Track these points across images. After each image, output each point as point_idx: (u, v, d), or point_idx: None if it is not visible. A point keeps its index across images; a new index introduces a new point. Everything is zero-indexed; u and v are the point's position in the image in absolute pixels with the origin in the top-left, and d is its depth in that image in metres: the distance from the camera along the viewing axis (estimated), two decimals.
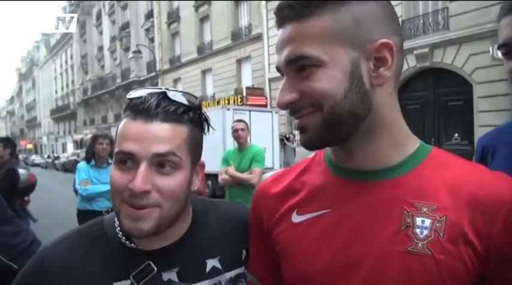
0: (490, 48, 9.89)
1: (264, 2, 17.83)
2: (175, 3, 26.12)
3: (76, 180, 4.14)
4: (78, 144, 39.53)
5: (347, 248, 0.68)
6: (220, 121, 9.51)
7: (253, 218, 0.86)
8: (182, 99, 0.76)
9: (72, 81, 49.95)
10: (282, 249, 0.76)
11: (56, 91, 58.68)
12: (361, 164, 0.71)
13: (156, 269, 0.76)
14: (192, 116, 0.77)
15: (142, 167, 0.70)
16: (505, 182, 0.66)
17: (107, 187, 3.99)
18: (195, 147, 0.79)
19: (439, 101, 11.92)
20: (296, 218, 0.75)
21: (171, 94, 0.75)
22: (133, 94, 0.76)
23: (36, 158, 44.92)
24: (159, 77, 26.94)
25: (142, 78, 29.79)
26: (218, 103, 16.81)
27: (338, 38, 0.64)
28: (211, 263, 0.82)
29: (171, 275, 0.78)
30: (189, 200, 0.83)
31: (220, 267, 0.83)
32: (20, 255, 2.71)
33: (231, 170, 4.08)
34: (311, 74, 0.65)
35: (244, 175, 4.00)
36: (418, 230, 0.64)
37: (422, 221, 0.64)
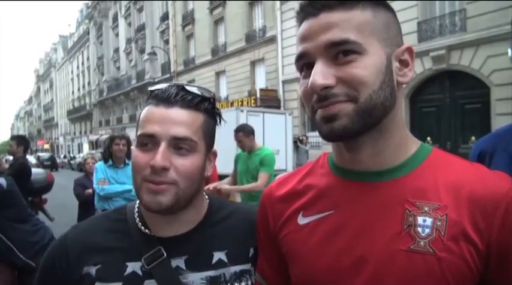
0: (509, 50, 9.70)
1: (278, 4, 17.83)
2: (190, 6, 26.32)
3: (94, 180, 4.20)
4: (94, 145, 40.09)
5: (352, 248, 0.70)
6: (234, 123, 9.50)
7: (260, 221, 0.89)
8: (198, 91, 0.85)
9: (89, 83, 50.69)
10: (289, 250, 0.79)
11: (73, 92, 59.61)
12: (365, 165, 0.73)
13: (165, 254, 0.83)
14: (207, 106, 0.86)
15: (162, 146, 0.78)
16: (504, 181, 0.67)
17: (124, 187, 4.05)
18: (209, 135, 0.87)
19: (455, 104, 11.74)
20: (302, 220, 0.78)
21: (188, 87, 0.85)
22: (155, 87, 0.85)
23: None
24: (173, 79, 27.14)
25: (157, 80, 30.05)
26: (232, 104, 16.85)
27: (377, 33, 0.69)
28: (218, 255, 0.88)
29: (179, 262, 0.84)
30: (203, 187, 0.91)
31: (226, 260, 0.87)
32: (38, 253, 2.77)
33: (229, 187, 4.04)
34: (352, 61, 0.67)
35: (250, 186, 4.01)
36: (420, 229, 0.65)
37: (424, 220, 0.66)
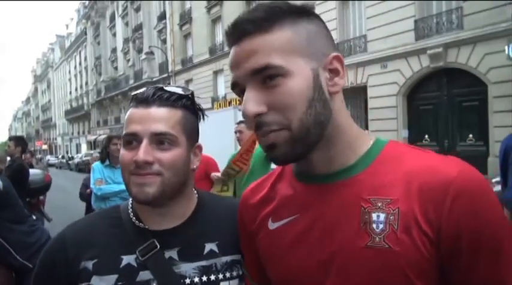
0: (506, 48, 9.73)
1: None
2: (188, 5, 26.29)
3: (91, 180, 4.20)
4: (92, 145, 40.04)
5: (317, 249, 0.72)
6: (232, 122, 9.53)
7: (240, 224, 0.93)
8: (176, 90, 0.92)
9: (86, 83, 50.61)
10: (263, 254, 0.83)
11: (70, 93, 59.51)
12: (321, 169, 0.75)
13: (159, 246, 0.88)
14: (185, 103, 0.92)
15: (144, 143, 0.84)
16: (453, 167, 0.66)
17: (121, 187, 4.04)
18: (190, 129, 0.92)
19: (453, 101, 11.76)
20: (271, 225, 0.81)
21: (166, 87, 0.91)
22: (136, 91, 0.92)
23: (51, 159, 45.57)
24: (171, 78, 27.13)
25: (154, 79, 30.03)
26: (229, 103, 16.85)
27: (299, 49, 0.69)
28: (210, 246, 0.92)
29: (172, 254, 0.89)
30: (191, 180, 0.96)
31: (217, 251, 0.92)
32: (35, 254, 2.76)
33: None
34: (277, 85, 0.67)
35: None
36: (374, 225, 0.67)
37: (378, 216, 0.67)
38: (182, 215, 0.94)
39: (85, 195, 5.09)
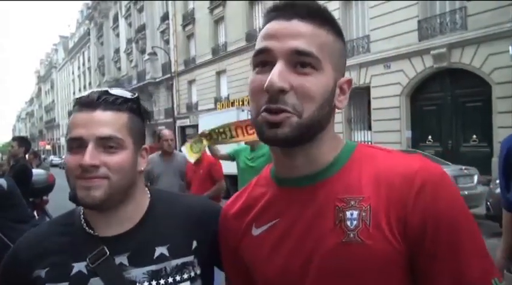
0: (510, 48, 9.69)
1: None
2: (191, 5, 26.34)
3: None
4: None
5: (298, 250, 0.75)
6: (234, 119, 9.52)
7: (221, 237, 0.94)
8: (122, 93, 0.92)
9: (90, 83, 50.76)
10: (248, 260, 0.85)
11: (74, 93, 59.66)
12: (300, 171, 0.78)
13: (108, 253, 0.88)
14: (131, 106, 0.92)
15: (90, 146, 0.83)
16: (415, 162, 0.73)
17: None
18: (136, 132, 0.92)
19: (456, 102, 11.72)
20: (255, 231, 0.84)
21: (112, 90, 0.91)
22: (80, 94, 0.92)
23: (54, 159, 45.72)
24: (174, 79, 27.18)
25: (157, 80, 30.10)
26: (233, 104, 16.86)
27: (333, 57, 0.75)
28: (160, 250, 0.92)
29: (123, 259, 0.89)
30: (140, 183, 0.96)
31: (168, 254, 0.92)
32: None
33: None
34: (308, 74, 0.71)
35: None
36: (348, 222, 0.71)
37: (351, 214, 0.71)
38: (132, 219, 0.93)
39: (74, 197, 5.05)
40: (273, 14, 0.76)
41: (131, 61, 36.31)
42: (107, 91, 0.90)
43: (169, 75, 27.07)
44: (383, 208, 0.69)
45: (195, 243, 0.95)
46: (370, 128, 13.83)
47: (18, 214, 2.81)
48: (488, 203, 6.33)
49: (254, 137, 4.02)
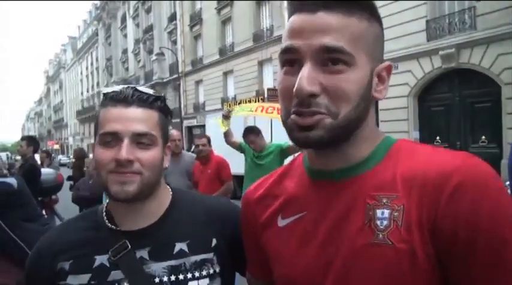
0: None
1: (286, 4, 17.81)
2: (198, 6, 26.40)
3: None
4: None
5: (323, 247, 0.71)
6: (242, 123, 9.55)
7: (243, 221, 0.92)
8: (150, 91, 0.94)
9: (98, 83, 51.11)
10: (271, 252, 0.81)
11: (82, 93, 60.16)
12: (333, 165, 0.74)
13: (130, 247, 0.90)
14: (160, 104, 0.94)
15: (126, 141, 0.85)
16: (457, 159, 0.63)
17: None
18: (164, 130, 0.95)
19: (465, 103, 11.61)
20: (281, 222, 0.80)
21: (140, 88, 0.93)
22: (109, 89, 0.93)
23: (62, 158, 46.08)
24: (181, 79, 27.26)
25: (165, 80, 30.22)
26: (239, 104, 16.85)
27: (367, 45, 0.68)
28: (180, 246, 0.93)
29: (143, 253, 0.91)
30: (163, 179, 0.99)
31: (187, 250, 0.93)
32: None
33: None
34: (340, 72, 0.65)
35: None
36: (378, 222, 0.65)
37: (382, 213, 0.65)
38: (154, 215, 0.96)
39: (73, 198, 4.99)
40: (298, 5, 0.69)
41: (139, 61, 36.50)
42: (137, 88, 0.92)
43: (176, 76, 27.15)
44: (415, 209, 0.62)
45: (214, 241, 0.96)
46: None
47: (28, 212, 2.84)
48: None
49: (272, 116, 4.09)
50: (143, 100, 0.90)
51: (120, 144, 0.85)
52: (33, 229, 2.80)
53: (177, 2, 28.66)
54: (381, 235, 0.63)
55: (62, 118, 75.33)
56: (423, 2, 11.97)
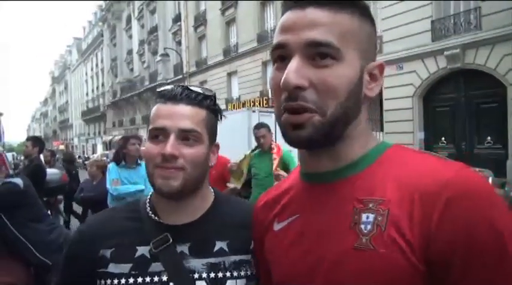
0: None
1: None
2: (202, 7, 26.46)
3: (107, 180, 4.24)
4: (108, 145, 40.56)
5: (312, 250, 0.71)
6: (246, 123, 9.54)
7: (252, 228, 0.94)
8: (201, 90, 0.97)
9: (102, 84, 51.32)
10: (269, 255, 0.83)
11: (87, 94, 60.42)
12: (325, 167, 0.73)
13: (171, 240, 0.92)
14: (209, 103, 0.97)
15: (172, 137, 0.89)
16: (451, 170, 0.61)
17: (137, 187, 4.08)
18: (212, 128, 0.97)
19: (470, 103, 11.55)
20: (276, 226, 0.82)
21: (192, 87, 0.97)
22: (162, 87, 0.98)
23: None
24: (185, 80, 27.31)
25: (169, 81, 30.26)
26: (244, 105, 16.88)
27: (358, 42, 0.68)
28: (220, 244, 0.95)
29: (184, 248, 0.93)
30: (207, 178, 1.00)
31: (227, 249, 0.95)
32: (53, 252, 2.81)
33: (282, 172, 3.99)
34: (327, 66, 0.66)
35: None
36: (362, 226, 0.64)
37: (367, 217, 0.64)
38: (197, 211, 0.98)
39: (78, 199, 4.97)
40: (289, 2, 0.70)
41: (143, 62, 36.60)
42: (188, 87, 0.96)
43: (181, 76, 27.22)
44: (405, 217, 0.60)
45: (252, 244, 0.96)
46: (382, 129, 13.71)
47: (34, 212, 2.86)
48: None
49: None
50: (192, 98, 0.93)
51: (167, 139, 0.88)
52: (39, 229, 2.83)
53: (182, 2, 28.74)
54: (364, 239, 0.63)
55: (67, 119, 75.70)
56: (428, 2, 11.92)
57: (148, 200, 1.01)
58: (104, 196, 4.37)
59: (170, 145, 0.87)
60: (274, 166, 4.11)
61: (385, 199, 0.64)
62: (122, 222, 0.97)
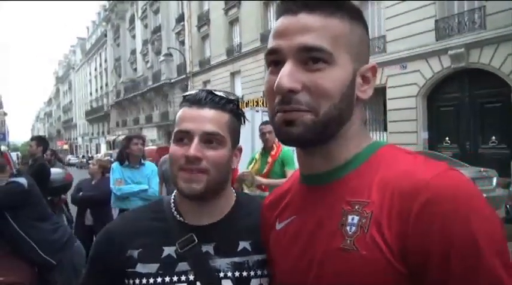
0: None
1: None
2: (206, 7, 26.49)
3: (110, 180, 4.25)
4: (111, 145, 40.68)
5: (305, 250, 0.73)
6: (249, 123, 9.54)
7: (260, 227, 0.95)
8: (224, 94, 0.99)
9: (106, 84, 51.52)
10: (272, 254, 0.86)
11: (91, 94, 60.67)
12: (318, 168, 0.75)
13: (197, 240, 0.94)
14: (232, 107, 0.99)
15: (196, 140, 0.91)
16: (431, 171, 0.61)
17: (140, 187, 4.09)
18: (234, 132, 0.99)
19: (475, 103, 11.50)
20: (277, 225, 0.84)
21: (216, 92, 0.98)
22: (188, 92, 1.01)
23: (71, 158, 46.50)
24: (189, 79, 27.37)
25: (173, 81, 30.35)
26: (247, 105, 16.82)
27: (350, 45, 0.70)
28: (243, 244, 0.97)
29: (209, 248, 0.95)
30: (230, 179, 1.02)
31: (250, 249, 0.97)
32: (58, 251, 2.82)
33: (263, 179, 4.00)
34: (319, 70, 0.67)
35: (278, 181, 3.97)
36: (348, 228, 0.66)
37: (353, 219, 0.66)
38: (220, 212, 1.00)
39: (77, 199, 4.92)
40: (282, 8, 0.72)
41: (147, 62, 36.72)
42: (212, 91, 0.98)
43: (184, 76, 27.27)
44: (385, 219, 0.61)
45: None
46: (386, 129, 13.68)
47: (39, 212, 2.87)
48: (508, 206, 6.21)
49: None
50: (215, 102, 0.96)
51: (191, 142, 0.91)
52: (43, 228, 2.84)
53: (185, 2, 28.79)
54: (348, 241, 0.65)
55: (71, 119, 76.01)
56: (432, 1, 11.88)
57: (172, 200, 1.03)
58: (105, 195, 4.37)
59: (194, 148, 0.90)
60: (265, 170, 4.10)
61: (370, 201, 0.65)
62: (147, 222, 0.99)
